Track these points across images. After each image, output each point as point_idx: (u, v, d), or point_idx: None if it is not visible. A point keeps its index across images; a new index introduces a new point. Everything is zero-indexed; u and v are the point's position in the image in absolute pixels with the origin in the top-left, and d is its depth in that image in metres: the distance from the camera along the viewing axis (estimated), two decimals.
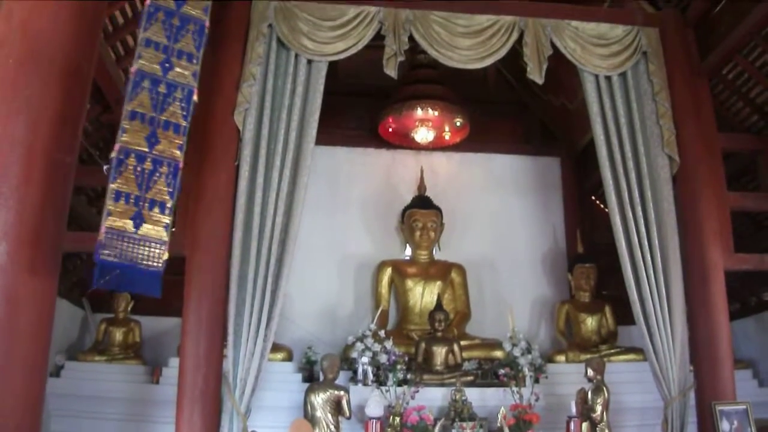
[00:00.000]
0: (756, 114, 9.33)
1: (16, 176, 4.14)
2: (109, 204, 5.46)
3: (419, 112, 11.04)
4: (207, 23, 6.40)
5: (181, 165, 5.98)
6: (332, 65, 8.75)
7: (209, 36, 6.43)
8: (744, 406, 7.80)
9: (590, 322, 10.68)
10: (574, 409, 7.93)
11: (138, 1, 7.56)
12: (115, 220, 5.45)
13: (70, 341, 10.60)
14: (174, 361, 8.94)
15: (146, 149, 5.75)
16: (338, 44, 8.35)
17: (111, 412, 9.31)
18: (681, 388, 7.90)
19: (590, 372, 8.25)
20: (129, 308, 10.65)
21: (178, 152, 5.98)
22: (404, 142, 11.65)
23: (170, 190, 5.87)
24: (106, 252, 5.36)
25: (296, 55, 8.25)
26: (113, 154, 5.56)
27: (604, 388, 8.16)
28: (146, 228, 5.64)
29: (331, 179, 11.32)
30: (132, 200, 5.59)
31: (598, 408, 8.06)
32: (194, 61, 6.27)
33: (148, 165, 5.75)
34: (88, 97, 5.03)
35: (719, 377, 7.93)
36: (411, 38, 8.43)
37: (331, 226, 11.18)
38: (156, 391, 9.35)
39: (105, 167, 7.03)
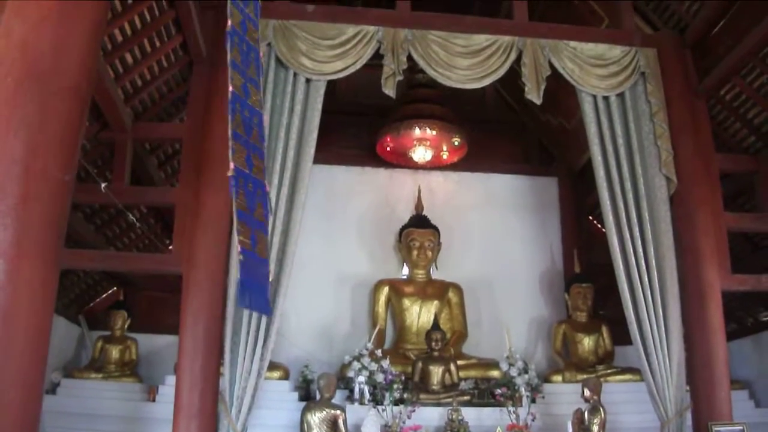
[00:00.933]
0: (753, 135, 9.34)
1: (14, 194, 4.13)
2: (237, 225, 5.49)
3: (417, 132, 11.07)
4: (261, 52, 6.44)
5: (267, 189, 6.02)
6: (331, 84, 8.78)
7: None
8: (740, 427, 7.78)
9: (587, 342, 10.68)
10: (570, 430, 7.92)
11: (137, 19, 7.57)
12: (243, 240, 5.49)
13: (67, 358, 10.58)
14: (170, 379, 8.91)
15: (247, 171, 5.78)
16: (337, 63, 8.37)
17: (107, 430, 9.26)
18: (677, 408, 7.89)
19: (587, 392, 8.24)
20: (126, 326, 10.64)
21: (263, 175, 6.04)
22: (402, 161, 11.67)
23: (265, 212, 5.92)
24: (244, 272, 5.43)
25: (295, 74, 8.27)
26: (230, 173, 5.55)
27: (601, 409, 8.14)
28: (259, 248, 5.68)
29: (328, 198, 11.32)
30: (247, 220, 5.63)
31: (595, 428, 8.04)
32: (259, 88, 6.32)
33: (250, 186, 5.79)
34: (86, 116, 5.04)
35: (716, 398, 7.91)
36: (410, 58, 8.45)
37: (328, 245, 11.18)
38: (152, 409, 9.32)
39: (103, 185, 7.06)
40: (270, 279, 5.75)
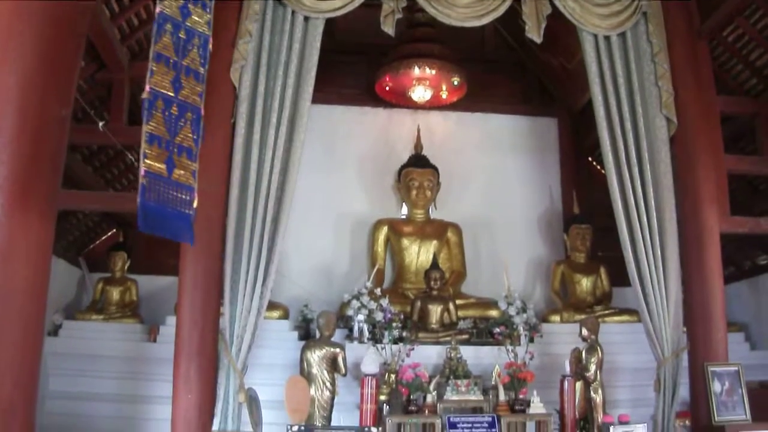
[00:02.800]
0: (755, 77, 9.28)
1: (10, 129, 4.12)
2: (145, 147, 5.41)
3: (416, 71, 10.97)
4: None
5: (202, 113, 5.94)
6: (329, 23, 8.68)
7: None
8: (735, 368, 7.85)
9: (585, 283, 10.73)
10: (568, 369, 7.96)
11: None
12: (151, 163, 5.42)
13: (67, 301, 10.63)
14: (171, 320, 8.97)
15: (172, 93, 5.69)
16: (335, 1, 8.24)
17: (109, 370, 9.37)
18: (674, 348, 7.95)
19: (584, 332, 8.29)
20: (126, 267, 10.68)
21: (199, 99, 5.94)
22: (401, 101, 11.59)
23: (195, 137, 5.85)
24: (148, 196, 5.33)
25: (293, 12, 8.14)
26: (144, 95, 5.49)
27: (598, 348, 8.20)
28: (178, 173, 5.62)
29: (327, 138, 11.27)
30: (164, 144, 5.55)
31: (592, 367, 8.11)
32: (207, 9, 6.18)
33: (174, 110, 5.70)
34: (82, 51, 5.00)
35: (712, 339, 7.97)
36: None
37: (327, 185, 11.15)
38: (153, 350, 9.40)
39: (101, 124, 7.02)
40: (194, 205, 5.68)
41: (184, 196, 5.65)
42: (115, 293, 10.45)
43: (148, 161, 5.42)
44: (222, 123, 7.75)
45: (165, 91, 5.66)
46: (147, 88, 5.52)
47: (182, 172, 5.67)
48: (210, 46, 6.13)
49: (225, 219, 7.61)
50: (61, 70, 4.53)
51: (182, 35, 5.88)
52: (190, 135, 5.80)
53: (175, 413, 7.33)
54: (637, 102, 8.36)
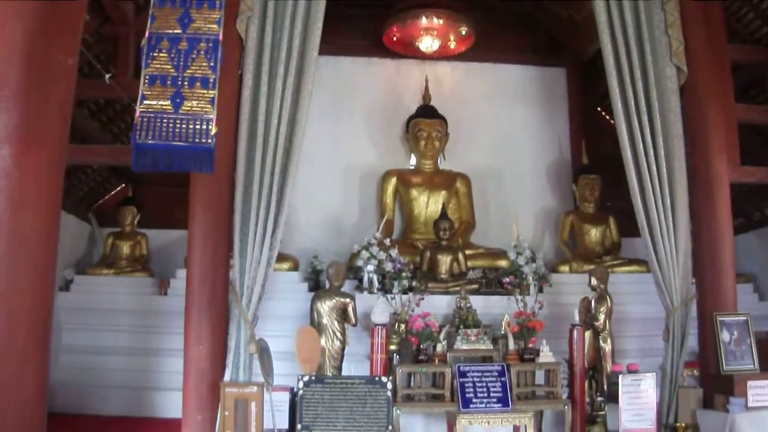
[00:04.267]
0: (766, 26, 9.17)
1: (16, 78, 4.10)
2: (144, 89, 5.39)
3: (424, 21, 10.89)
4: None
5: (221, 38, 5.87)
6: None
7: None
8: (744, 318, 7.87)
9: (594, 233, 10.74)
10: (577, 318, 7.97)
11: None
12: (151, 103, 5.39)
13: (78, 256, 10.71)
14: (181, 273, 9.03)
15: (179, 31, 5.65)
16: None
17: (120, 324, 9.47)
18: (683, 298, 7.97)
19: (594, 281, 8.32)
20: (135, 222, 10.73)
21: (215, 26, 5.85)
22: (409, 51, 11.51)
23: (212, 64, 5.78)
24: (144, 135, 5.30)
25: None
26: (143, 42, 5.47)
27: (608, 298, 8.23)
28: (188, 105, 5.57)
29: (335, 89, 11.21)
30: (169, 81, 5.51)
31: (601, 317, 8.14)
32: None
33: (183, 45, 5.65)
34: (87, 2, 4.97)
35: (721, 289, 7.99)
36: None
37: (335, 137, 11.13)
38: (164, 303, 9.49)
39: (107, 76, 6.99)
40: (213, 133, 5.63)
41: (198, 126, 5.59)
42: (125, 248, 10.52)
43: (147, 102, 5.40)
44: (228, 75, 7.68)
45: (170, 31, 5.62)
46: (147, 33, 5.49)
47: (194, 102, 5.61)
48: None
49: (234, 171, 7.59)
50: (67, 20, 4.50)
51: None
52: (205, 64, 5.74)
53: (186, 365, 7.40)
54: (647, 51, 8.26)
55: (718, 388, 7.54)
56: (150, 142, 5.35)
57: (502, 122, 11.57)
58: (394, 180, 10.97)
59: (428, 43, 11.06)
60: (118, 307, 9.55)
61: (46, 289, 4.26)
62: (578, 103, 12.03)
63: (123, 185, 11.39)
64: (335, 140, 11.11)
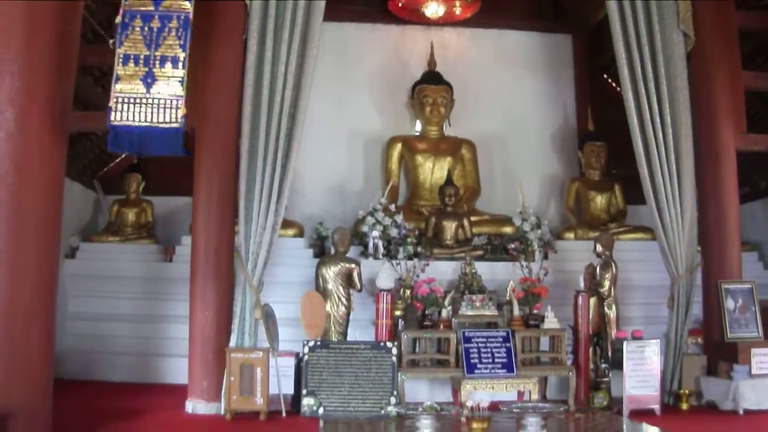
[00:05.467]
0: None
1: (19, 42, 4.10)
2: (118, 69, 5.38)
3: None
4: None
5: (191, 16, 5.85)
6: None
7: None
8: (749, 285, 7.90)
9: (600, 200, 10.73)
10: (582, 284, 7.99)
11: None
12: (124, 84, 5.39)
13: (84, 223, 10.75)
14: (186, 240, 9.05)
15: (152, 8, 5.63)
16: None
17: (126, 291, 9.52)
18: (688, 266, 7.96)
19: (599, 248, 8.31)
20: (140, 189, 10.73)
21: (186, 4, 5.85)
22: (414, 17, 11.41)
23: (182, 42, 5.77)
24: (117, 117, 5.30)
25: None
26: (118, 19, 5.45)
27: (613, 264, 8.23)
28: (158, 86, 5.56)
29: (340, 55, 11.14)
30: (141, 61, 5.50)
31: (606, 283, 8.15)
32: None
33: (155, 23, 5.64)
34: None
35: (726, 257, 8.00)
36: None
37: (340, 103, 11.08)
38: (170, 269, 9.54)
39: (111, 42, 6.96)
40: (181, 114, 5.62)
41: (168, 109, 5.59)
42: (130, 215, 10.54)
43: (119, 84, 5.40)
44: (233, 41, 7.66)
45: (143, 8, 5.60)
46: (120, 11, 5.48)
47: (164, 83, 5.61)
48: None
49: (238, 138, 7.58)
50: None
51: None
52: (176, 42, 5.73)
53: (192, 331, 7.44)
54: (654, 17, 8.18)
55: (722, 355, 7.57)
56: (123, 123, 5.35)
57: (508, 89, 11.50)
58: (399, 146, 10.94)
59: (434, 9, 10.99)
60: (123, 274, 9.59)
61: (51, 251, 4.28)
62: (584, 69, 11.96)
63: (127, 153, 11.35)
64: (340, 106, 11.06)
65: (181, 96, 5.62)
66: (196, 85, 7.43)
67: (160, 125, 5.53)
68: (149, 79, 5.51)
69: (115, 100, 5.30)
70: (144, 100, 5.46)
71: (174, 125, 5.57)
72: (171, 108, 5.57)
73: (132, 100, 5.40)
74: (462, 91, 11.14)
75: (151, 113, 5.49)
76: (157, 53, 5.58)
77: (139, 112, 5.43)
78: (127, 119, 5.37)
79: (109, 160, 11.48)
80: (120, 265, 9.66)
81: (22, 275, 3.88)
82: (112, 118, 5.30)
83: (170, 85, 5.60)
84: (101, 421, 6.52)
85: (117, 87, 5.35)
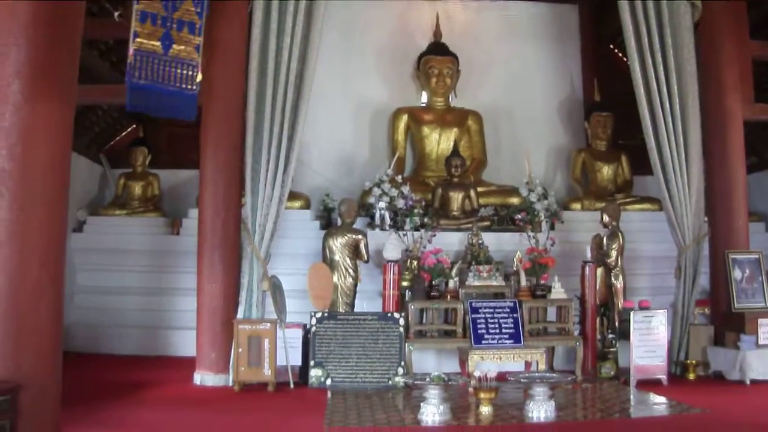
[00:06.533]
0: None
1: (25, 13, 4.07)
2: (136, 25, 5.31)
3: None
4: None
5: None
6: None
7: None
8: (756, 256, 7.92)
9: (606, 171, 10.71)
10: (589, 255, 7.99)
11: None
12: (142, 41, 5.33)
13: (90, 197, 10.76)
14: (193, 213, 9.08)
15: None
16: None
17: (134, 264, 9.57)
18: (695, 236, 7.98)
19: (606, 218, 8.30)
20: (147, 162, 10.74)
21: None
22: None
23: (198, 10, 5.72)
24: (137, 74, 5.25)
25: None
26: None
27: (620, 234, 8.22)
28: (177, 49, 5.52)
29: (346, 27, 11.03)
30: (159, 21, 5.43)
31: (613, 253, 8.14)
32: None
33: None
34: None
35: (733, 227, 8.03)
36: None
37: (346, 74, 11.00)
38: (177, 242, 9.57)
39: (116, 14, 6.94)
40: (197, 80, 5.57)
41: (185, 72, 5.55)
42: (137, 188, 10.55)
43: (138, 40, 5.33)
44: (238, 13, 7.64)
45: None
46: None
47: (182, 47, 5.56)
48: None
49: (244, 110, 7.57)
50: None
51: None
52: (192, 9, 5.68)
53: (200, 303, 7.48)
54: None
55: (730, 325, 7.58)
56: (142, 82, 5.31)
57: (514, 60, 11.42)
58: (405, 117, 10.89)
59: None
60: (131, 247, 9.63)
61: (59, 224, 4.28)
62: (590, 40, 11.86)
63: (134, 126, 11.35)
64: (346, 78, 10.98)
65: (198, 62, 5.56)
66: (202, 59, 7.44)
67: (179, 88, 5.47)
68: (167, 41, 5.45)
69: (134, 56, 5.23)
70: (163, 60, 5.41)
71: (192, 90, 5.52)
72: (189, 72, 5.52)
73: (151, 59, 5.34)
74: (468, 62, 11.08)
75: (170, 75, 5.44)
76: (174, 15, 5.52)
77: (159, 73, 5.38)
78: (146, 78, 5.31)
79: (115, 133, 11.47)
80: (127, 239, 9.70)
81: (31, 248, 3.89)
82: (133, 75, 5.24)
83: (188, 49, 5.54)
84: (110, 393, 6.57)
85: (136, 42, 5.27)
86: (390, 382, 7.01)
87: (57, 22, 4.28)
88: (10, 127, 3.94)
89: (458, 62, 10.86)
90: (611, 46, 12.06)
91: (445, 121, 10.86)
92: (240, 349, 7.02)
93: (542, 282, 7.95)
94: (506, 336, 7.32)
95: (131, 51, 5.23)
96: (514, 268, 8.04)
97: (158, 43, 5.39)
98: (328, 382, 7.02)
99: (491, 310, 7.43)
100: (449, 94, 10.98)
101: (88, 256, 9.58)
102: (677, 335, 7.86)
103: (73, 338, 8.59)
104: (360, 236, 8.19)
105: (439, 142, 10.74)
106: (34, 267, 3.90)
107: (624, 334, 7.53)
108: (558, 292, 7.77)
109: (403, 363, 7.09)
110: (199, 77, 5.53)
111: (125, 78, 5.22)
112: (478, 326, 7.33)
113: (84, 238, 9.74)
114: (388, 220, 8.87)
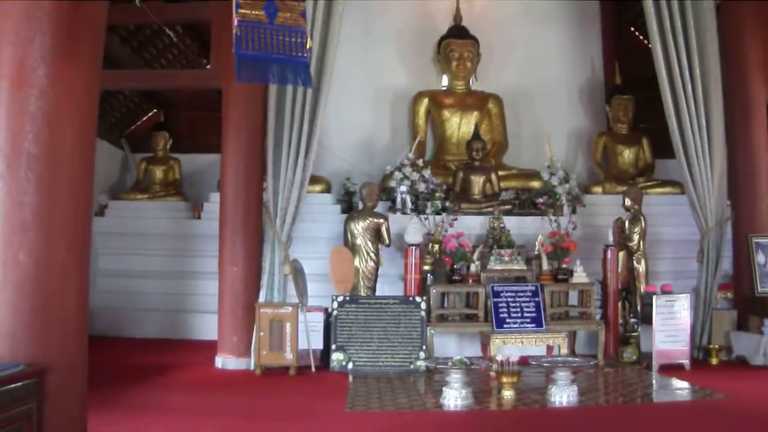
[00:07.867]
0: None
1: (49, 1, 4.07)
2: None
3: None
4: None
5: None
6: None
7: None
8: None
9: (627, 154, 10.65)
10: (611, 238, 7.97)
11: None
12: (246, 12, 5.24)
13: (112, 182, 10.84)
14: (214, 197, 9.10)
15: None
16: None
17: (155, 248, 9.61)
18: (718, 219, 7.94)
19: (628, 202, 8.27)
20: (168, 147, 10.77)
21: None
22: None
23: None
24: (245, 45, 5.18)
25: None
26: None
27: (642, 218, 8.19)
28: (282, 16, 5.42)
29: (366, 11, 10.96)
30: None
31: (635, 237, 8.12)
32: None
33: None
34: None
35: (757, 211, 7.97)
36: None
37: (367, 58, 10.96)
38: (198, 226, 9.60)
39: (137, 0, 6.94)
40: (308, 47, 5.47)
41: (293, 39, 5.45)
42: (158, 172, 10.59)
43: (242, 10, 5.23)
44: None
45: None
46: None
47: (288, 14, 5.45)
48: None
49: (265, 92, 7.57)
50: None
51: None
52: None
53: (221, 286, 7.52)
54: None
55: (753, 309, 7.55)
56: (251, 52, 5.23)
57: (534, 43, 11.33)
58: (426, 101, 10.85)
59: None
60: (152, 231, 9.68)
61: (84, 208, 4.28)
62: (611, 23, 11.78)
63: (155, 110, 11.40)
64: (367, 62, 10.95)
65: (306, 29, 5.45)
66: (223, 43, 7.45)
67: (290, 55, 5.37)
68: (271, 9, 5.34)
69: (240, 27, 5.14)
70: (269, 29, 5.32)
71: (303, 57, 5.41)
72: (298, 39, 5.41)
73: (258, 29, 5.25)
74: (488, 45, 11.01)
75: (279, 43, 5.33)
76: None
77: (267, 42, 5.29)
78: (255, 48, 5.23)
79: (137, 118, 11.54)
80: (148, 223, 9.75)
81: (58, 232, 3.90)
82: (240, 47, 5.17)
83: (294, 16, 5.43)
84: (133, 376, 6.63)
85: (239, 13, 5.18)
86: (411, 366, 7.02)
87: (81, 6, 4.28)
88: (35, 111, 3.94)
89: (478, 45, 10.80)
90: (632, 29, 11.99)
91: (465, 104, 10.82)
92: (261, 333, 7.05)
93: (564, 266, 7.93)
94: (528, 320, 7.31)
95: (235, 22, 5.12)
96: (536, 252, 8.02)
97: (262, 12, 5.27)
98: (350, 366, 7.05)
99: (513, 294, 7.42)
100: (470, 78, 10.93)
101: (110, 240, 9.62)
102: (700, 320, 7.83)
103: (95, 322, 8.62)
104: (381, 220, 8.18)
105: (460, 125, 10.70)
106: (61, 250, 3.91)
107: (646, 319, 7.50)
108: (580, 276, 7.75)
109: (424, 347, 7.10)
110: (309, 43, 5.41)
111: (233, 50, 5.14)
112: (500, 310, 7.32)
113: (106, 222, 9.79)
114: (409, 204, 8.86)
